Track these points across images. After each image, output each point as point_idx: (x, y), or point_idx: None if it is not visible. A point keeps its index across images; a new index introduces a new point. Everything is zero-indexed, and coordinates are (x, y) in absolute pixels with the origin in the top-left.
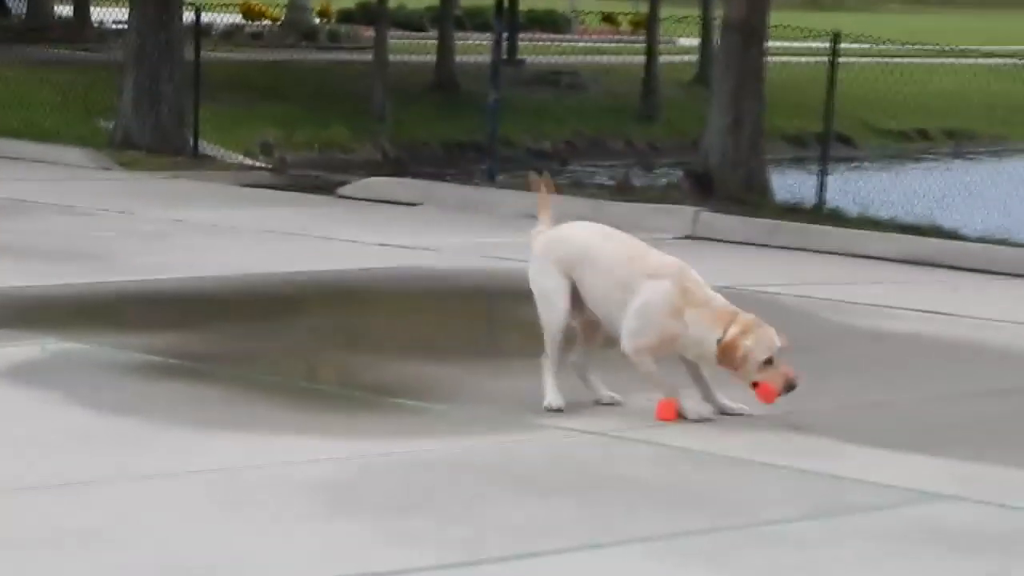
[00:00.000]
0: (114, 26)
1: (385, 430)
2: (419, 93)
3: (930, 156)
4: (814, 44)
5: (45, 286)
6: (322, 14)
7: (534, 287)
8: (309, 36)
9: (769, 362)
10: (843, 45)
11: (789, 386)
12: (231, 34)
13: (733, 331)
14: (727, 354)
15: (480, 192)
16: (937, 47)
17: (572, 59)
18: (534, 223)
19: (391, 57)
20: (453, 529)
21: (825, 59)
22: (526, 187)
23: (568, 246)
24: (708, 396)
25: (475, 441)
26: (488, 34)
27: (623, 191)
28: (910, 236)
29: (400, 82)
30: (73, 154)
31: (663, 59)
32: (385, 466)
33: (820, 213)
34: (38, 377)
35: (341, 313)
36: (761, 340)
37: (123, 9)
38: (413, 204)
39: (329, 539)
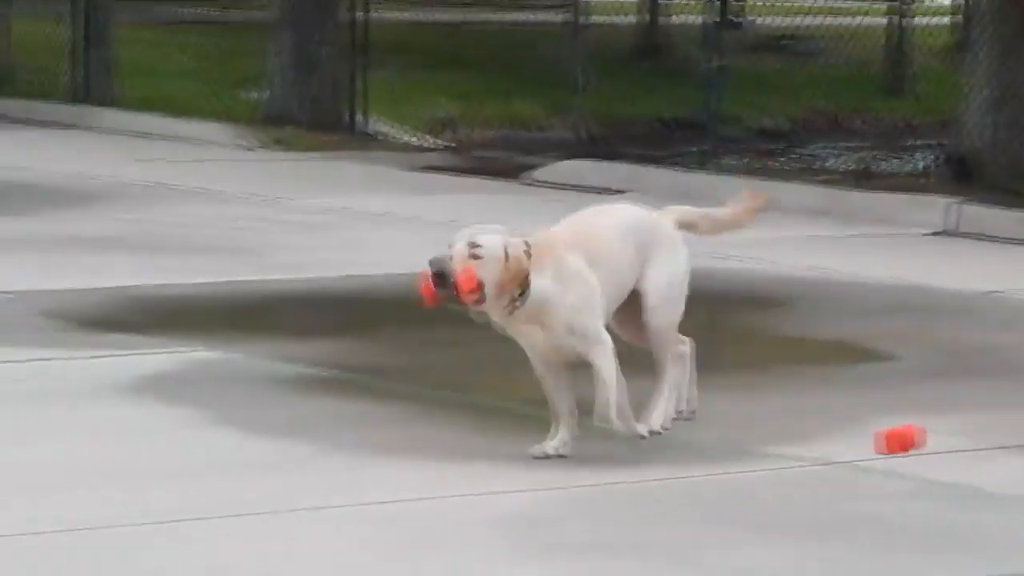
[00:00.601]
0: None
1: (587, 457)
2: (619, 60)
3: None
4: None
5: (183, 285)
6: None
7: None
8: None
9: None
10: None
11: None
12: None
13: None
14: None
15: (696, 178)
16: None
17: (803, 21)
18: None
19: (587, 18)
20: (666, 574)
21: None
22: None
23: None
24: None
25: (691, 471)
26: None
27: (865, 177)
28: None
29: (597, 47)
30: (212, 130)
31: (912, 21)
32: (586, 500)
33: None
34: (176, 392)
35: None
36: None
37: None
38: (615, 191)
39: None
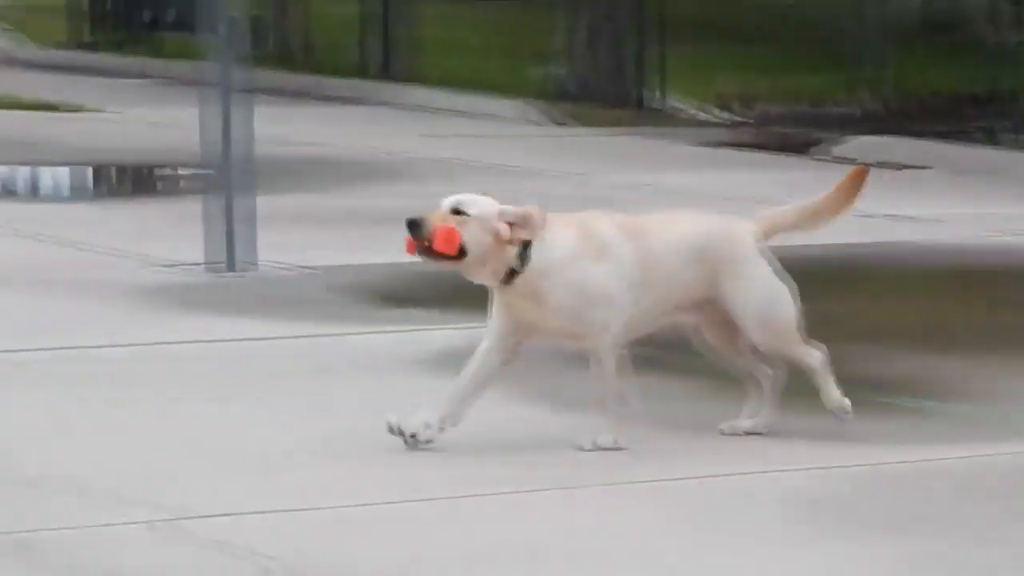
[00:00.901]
0: None
1: (880, 434)
2: (913, 34)
3: None
4: None
5: None
6: None
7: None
8: None
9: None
10: None
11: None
12: None
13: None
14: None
15: (998, 154)
16: None
17: None
18: None
19: None
20: (968, 554)
21: None
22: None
23: None
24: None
25: (989, 448)
26: None
27: None
28: None
29: (890, 21)
30: (506, 106)
31: None
32: (881, 477)
33: None
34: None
35: (823, 296)
36: None
37: None
38: (916, 166)
39: (817, 563)
